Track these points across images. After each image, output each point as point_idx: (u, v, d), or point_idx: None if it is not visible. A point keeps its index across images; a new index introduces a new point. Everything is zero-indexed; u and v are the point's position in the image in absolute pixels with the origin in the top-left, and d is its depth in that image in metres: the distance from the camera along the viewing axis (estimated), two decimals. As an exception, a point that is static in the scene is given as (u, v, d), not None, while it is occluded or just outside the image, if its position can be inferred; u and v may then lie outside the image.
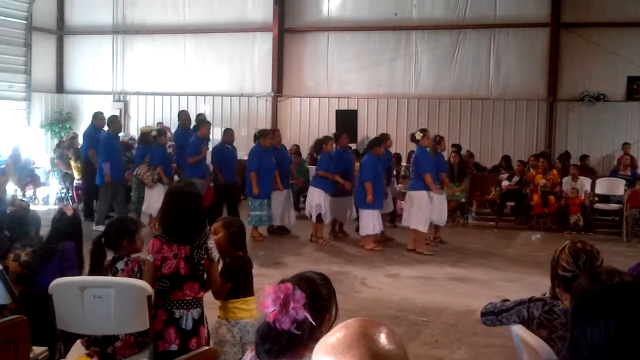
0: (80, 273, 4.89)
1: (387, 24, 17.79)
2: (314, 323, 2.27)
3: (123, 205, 12.93)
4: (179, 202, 4.46)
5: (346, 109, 17.93)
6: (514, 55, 17.03)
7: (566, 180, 13.84)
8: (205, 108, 19.17)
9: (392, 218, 13.02)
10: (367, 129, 17.53)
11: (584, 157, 15.69)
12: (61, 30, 20.86)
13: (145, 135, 13.34)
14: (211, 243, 4.43)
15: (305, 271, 2.65)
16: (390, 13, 17.74)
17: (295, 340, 2.29)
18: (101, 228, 11.71)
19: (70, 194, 15.70)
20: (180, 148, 13.15)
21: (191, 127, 13.52)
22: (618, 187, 13.71)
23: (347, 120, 17.05)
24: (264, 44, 18.85)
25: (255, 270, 4.82)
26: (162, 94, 19.84)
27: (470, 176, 14.75)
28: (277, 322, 2.26)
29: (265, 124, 17.78)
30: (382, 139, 11.83)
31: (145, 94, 20.06)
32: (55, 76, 20.92)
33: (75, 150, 15.33)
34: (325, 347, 1.51)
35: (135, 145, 14.41)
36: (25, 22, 19.21)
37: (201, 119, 14.33)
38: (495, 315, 3.67)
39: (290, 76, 18.88)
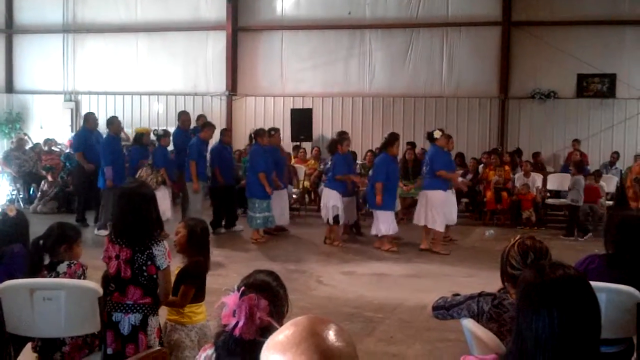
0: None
1: (341, 22, 17.86)
2: (278, 327, 2.26)
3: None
4: (126, 203, 4.34)
5: (301, 107, 17.92)
6: (467, 54, 17.25)
7: (518, 176, 14.06)
8: (158, 107, 18.99)
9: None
10: (322, 128, 17.60)
11: (536, 154, 15.95)
12: (10, 29, 20.45)
13: (140, 136, 12.83)
14: (158, 250, 4.18)
15: (255, 273, 2.60)
16: (344, 12, 17.82)
17: (261, 346, 2.28)
18: (104, 233, 11.48)
19: (21, 196, 15.39)
20: (180, 150, 12.59)
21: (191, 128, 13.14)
22: (569, 182, 13.89)
23: (302, 118, 17.04)
24: (217, 42, 18.75)
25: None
26: (114, 94, 19.58)
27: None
28: (243, 334, 2.25)
29: (220, 123, 17.61)
30: (396, 138, 11.44)
31: (97, 93, 19.78)
32: (5, 76, 20.52)
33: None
34: (274, 344, 1.51)
35: None
36: (-27, 20, 18.84)
37: (203, 122, 13.78)
38: (446, 309, 3.71)
39: (244, 75, 18.81)
